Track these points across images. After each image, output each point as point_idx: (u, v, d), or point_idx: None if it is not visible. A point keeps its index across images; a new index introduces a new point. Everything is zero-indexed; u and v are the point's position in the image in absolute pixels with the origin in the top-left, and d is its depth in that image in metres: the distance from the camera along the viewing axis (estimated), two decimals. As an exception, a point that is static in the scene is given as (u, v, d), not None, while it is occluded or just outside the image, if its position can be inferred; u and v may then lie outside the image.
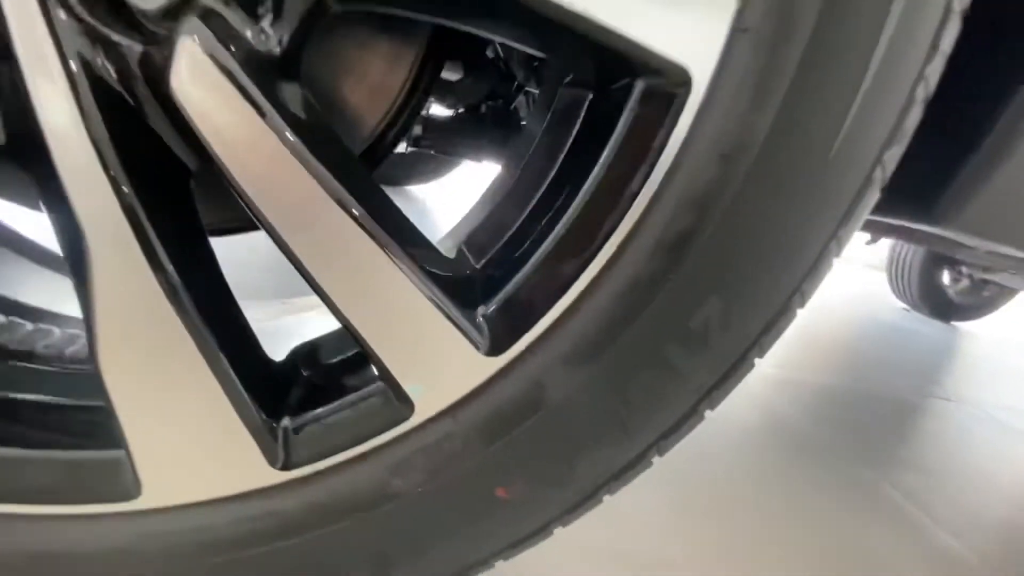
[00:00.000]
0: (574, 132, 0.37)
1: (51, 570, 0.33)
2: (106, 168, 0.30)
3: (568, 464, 0.35)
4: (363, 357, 0.35)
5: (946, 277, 2.40)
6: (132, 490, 0.33)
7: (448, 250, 0.37)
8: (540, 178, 0.37)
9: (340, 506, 0.34)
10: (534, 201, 0.36)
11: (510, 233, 0.36)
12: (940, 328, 2.42)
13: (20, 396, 0.36)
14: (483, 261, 0.36)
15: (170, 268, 0.31)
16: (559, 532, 0.57)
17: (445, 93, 0.81)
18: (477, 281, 0.35)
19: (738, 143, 0.30)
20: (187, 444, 0.33)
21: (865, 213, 0.34)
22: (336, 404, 0.35)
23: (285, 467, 0.33)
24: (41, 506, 0.33)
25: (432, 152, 0.95)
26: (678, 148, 0.30)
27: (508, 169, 0.47)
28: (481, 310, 0.34)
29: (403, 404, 0.34)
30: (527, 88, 0.86)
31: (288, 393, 0.36)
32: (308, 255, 0.32)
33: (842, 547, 0.73)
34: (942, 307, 2.41)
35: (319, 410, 0.35)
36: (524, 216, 0.36)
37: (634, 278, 0.32)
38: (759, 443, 0.98)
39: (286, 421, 0.34)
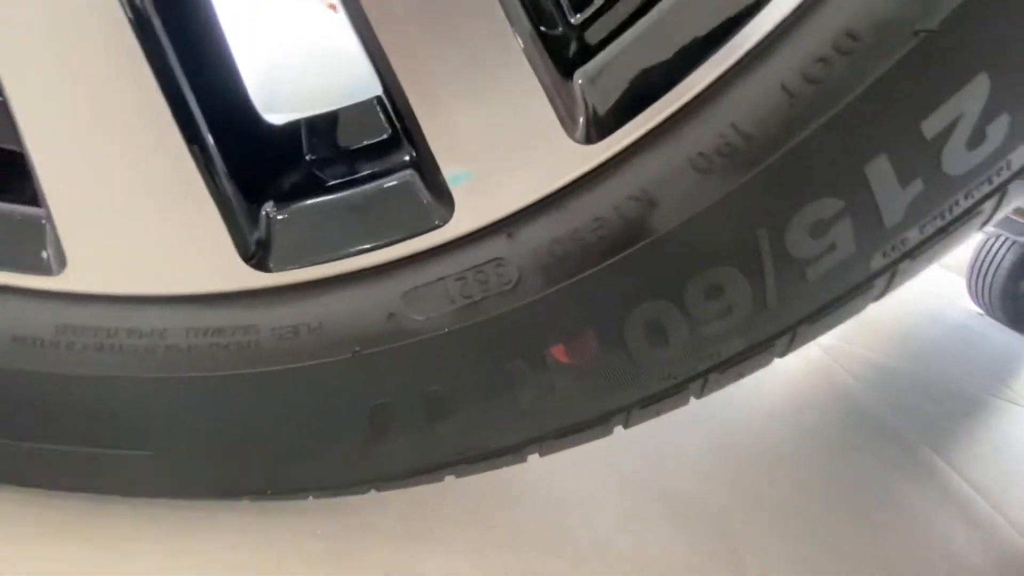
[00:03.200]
0: None
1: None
2: None
3: (676, 324, 0.23)
4: (393, 140, 0.24)
5: (1033, 286, 2.28)
6: (54, 264, 0.23)
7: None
8: None
9: (333, 334, 0.24)
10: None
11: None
12: (1012, 336, 2.26)
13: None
14: (584, 15, 0.23)
15: None
16: (593, 459, 0.47)
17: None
18: (571, 37, 0.23)
19: None
20: (122, 215, 0.22)
21: None
22: (341, 194, 0.24)
23: (260, 266, 0.23)
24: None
25: None
26: None
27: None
28: (580, 76, 0.22)
29: (438, 203, 0.23)
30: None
31: (283, 172, 0.25)
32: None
33: (902, 526, 0.62)
34: (1021, 316, 2.31)
35: (315, 199, 0.24)
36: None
37: (847, 33, 0.19)
38: (820, 409, 0.87)
39: (269, 207, 0.24)
